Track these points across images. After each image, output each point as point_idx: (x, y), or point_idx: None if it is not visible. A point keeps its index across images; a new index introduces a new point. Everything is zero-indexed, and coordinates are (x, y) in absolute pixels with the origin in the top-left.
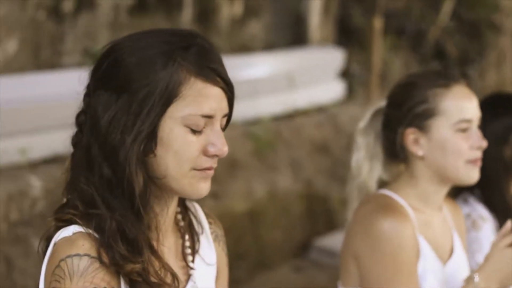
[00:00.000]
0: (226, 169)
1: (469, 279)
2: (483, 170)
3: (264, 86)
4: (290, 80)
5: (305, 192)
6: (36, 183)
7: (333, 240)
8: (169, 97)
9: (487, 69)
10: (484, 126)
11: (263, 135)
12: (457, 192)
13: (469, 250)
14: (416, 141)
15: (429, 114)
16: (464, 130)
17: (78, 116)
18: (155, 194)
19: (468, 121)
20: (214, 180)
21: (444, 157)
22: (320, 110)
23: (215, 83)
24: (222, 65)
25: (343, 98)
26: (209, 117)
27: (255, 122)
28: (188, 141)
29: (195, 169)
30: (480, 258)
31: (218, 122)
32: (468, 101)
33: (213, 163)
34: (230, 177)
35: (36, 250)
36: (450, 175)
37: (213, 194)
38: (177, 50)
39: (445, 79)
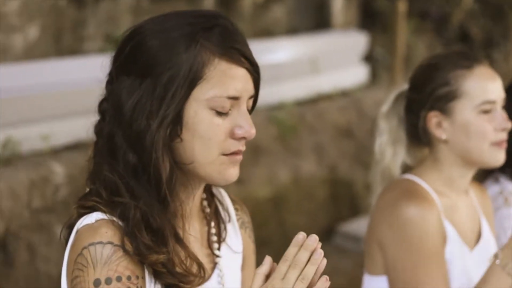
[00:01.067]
0: (250, 155)
1: (494, 258)
2: None
3: (287, 70)
4: (313, 65)
5: (329, 177)
6: (58, 170)
7: (357, 226)
8: (193, 80)
9: None
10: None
11: (287, 120)
12: (488, 172)
13: (502, 227)
14: (439, 125)
15: (452, 96)
16: (487, 112)
17: (100, 104)
18: (181, 181)
19: (492, 102)
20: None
21: (468, 140)
22: (343, 94)
23: (240, 64)
24: (246, 46)
25: (366, 82)
26: (235, 98)
27: (278, 107)
28: (214, 124)
29: (223, 154)
30: None
31: (244, 104)
32: (491, 82)
33: (241, 146)
34: (254, 162)
35: (59, 237)
36: (475, 158)
37: (237, 180)
38: (200, 32)
39: (467, 60)
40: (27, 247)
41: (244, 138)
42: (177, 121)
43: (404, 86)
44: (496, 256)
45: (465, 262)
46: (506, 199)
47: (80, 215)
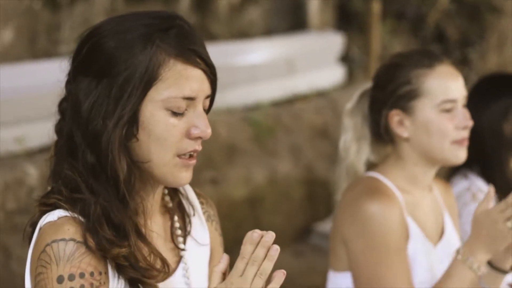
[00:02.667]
0: (226, 155)
1: (456, 253)
2: (483, 146)
3: (263, 71)
4: (289, 66)
5: (305, 177)
6: (32, 172)
7: None
8: (149, 80)
9: (488, 52)
10: (484, 104)
11: (263, 121)
12: (456, 168)
13: (468, 222)
14: (400, 123)
15: (413, 95)
16: (448, 110)
17: (60, 103)
18: (140, 179)
19: (453, 101)
20: (213, 166)
21: (429, 138)
22: (320, 95)
23: (196, 65)
24: (203, 47)
25: (343, 83)
26: (190, 99)
27: (254, 107)
28: (170, 124)
29: (178, 155)
30: None
31: (200, 104)
32: (452, 81)
33: (197, 145)
34: (230, 163)
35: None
36: (436, 156)
37: (213, 180)
38: (156, 33)
39: (428, 59)
40: (1, 248)
41: (200, 138)
42: (133, 122)
43: (368, 84)
44: (458, 251)
45: (429, 258)
46: (473, 195)
47: (42, 213)
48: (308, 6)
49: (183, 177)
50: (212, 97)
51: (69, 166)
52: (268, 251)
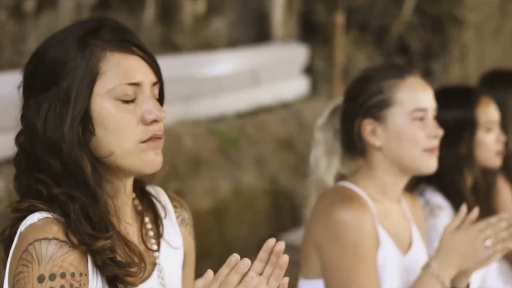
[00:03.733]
0: (190, 166)
1: (426, 266)
2: (439, 164)
3: (228, 83)
4: (254, 77)
5: (270, 188)
6: None
7: (299, 236)
8: (91, 77)
9: (451, 64)
10: (438, 121)
11: (227, 132)
12: (414, 184)
13: (427, 238)
14: (373, 132)
15: (385, 104)
16: (419, 119)
17: (17, 137)
18: (106, 177)
19: (423, 110)
20: (178, 177)
21: (401, 146)
22: (284, 106)
23: (132, 52)
24: (136, 37)
25: (307, 94)
26: (135, 84)
27: (219, 119)
28: (121, 112)
29: (141, 142)
30: (436, 245)
31: (148, 90)
32: (423, 91)
33: (156, 131)
34: (194, 174)
35: (1, 252)
36: (408, 164)
37: (177, 191)
38: (89, 33)
39: (399, 71)
40: None
41: (156, 121)
42: (86, 120)
43: (340, 99)
44: (428, 264)
45: (398, 266)
46: (431, 210)
47: (19, 219)
48: (272, 17)
49: (153, 159)
50: (160, 85)
51: (37, 178)
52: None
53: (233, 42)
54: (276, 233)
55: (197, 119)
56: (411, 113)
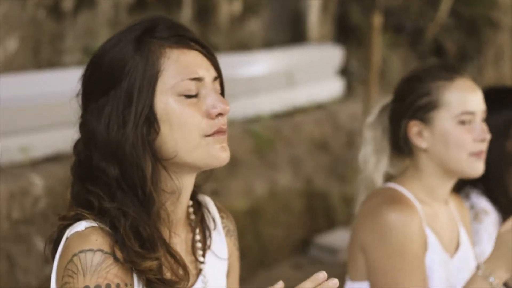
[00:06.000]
0: (226, 167)
1: (476, 268)
2: (486, 164)
3: (263, 83)
4: (289, 78)
5: (305, 189)
6: (37, 182)
7: (333, 238)
8: (152, 75)
9: (486, 66)
10: (485, 119)
11: (263, 133)
12: (460, 187)
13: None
14: (419, 134)
15: (432, 106)
16: (467, 123)
17: (75, 146)
18: (165, 181)
19: (471, 113)
20: (214, 178)
21: (447, 149)
22: (319, 107)
23: (190, 47)
24: (192, 33)
25: (342, 96)
26: (198, 79)
27: (254, 120)
28: (186, 107)
29: (206, 135)
30: (478, 250)
31: (210, 85)
32: (472, 94)
33: (221, 124)
34: (230, 175)
35: (40, 249)
36: (454, 168)
37: (213, 192)
38: (144, 33)
39: (448, 72)
40: (6, 258)
41: (221, 114)
42: (151, 118)
43: (389, 97)
44: (479, 267)
45: (445, 269)
46: (476, 215)
47: (65, 227)
48: (308, 18)
49: (220, 153)
50: (220, 80)
51: (90, 189)
52: None
53: (269, 43)
54: (311, 234)
55: (233, 119)
56: (458, 116)
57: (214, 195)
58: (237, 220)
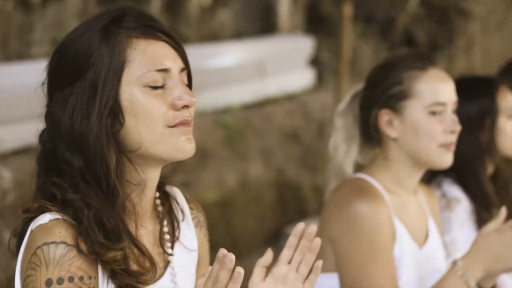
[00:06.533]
0: (197, 159)
1: (452, 264)
2: (459, 154)
3: (234, 74)
4: (260, 69)
5: (276, 180)
6: (6, 175)
7: None
8: (118, 66)
9: (456, 56)
10: (457, 109)
11: (234, 124)
12: (432, 176)
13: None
14: (389, 123)
15: (403, 95)
16: (438, 113)
17: (40, 136)
18: (130, 173)
19: (442, 104)
20: (184, 169)
21: (417, 139)
22: (290, 98)
23: (157, 38)
24: (160, 24)
25: (313, 86)
26: (164, 70)
27: (225, 111)
28: (152, 99)
29: (170, 126)
30: (448, 238)
31: (177, 76)
32: (443, 85)
33: (186, 116)
34: (201, 166)
35: (7, 242)
36: (423, 159)
37: (184, 184)
38: (111, 23)
39: (421, 61)
40: None
41: (187, 106)
42: (115, 110)
43: (361, 85)
44: (455, 263)
45: (414, 259)
46: (448, 203)
47: (29, 220)
48: (278, 9)
49: (184, 144)
50: (188, 71)
51: (53, 181)
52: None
53: (239, 34)
54: (282, 225)
55: (203, 111)
56: (430, 107)
57: (184, 186)
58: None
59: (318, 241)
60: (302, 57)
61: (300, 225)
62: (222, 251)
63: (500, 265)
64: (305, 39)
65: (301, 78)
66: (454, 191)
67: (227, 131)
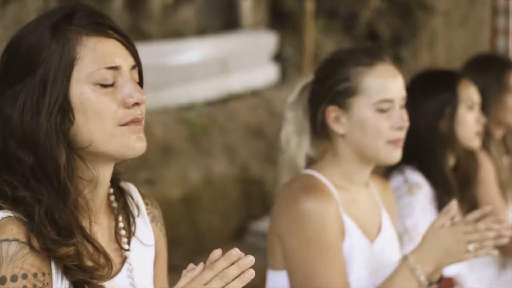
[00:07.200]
0: (161, 155)
1: (403, 259)
2: (420, 143)
3: (197, 71)
4: (223, 65)
5: (240, 176)
6: None
7: None
8: (68, 63)
9: (420, 50)
10: (420, 101)
11: (197, 120)
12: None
13: (400, 215)
14: (337, 119)
15: (351, 92)
16: (385, 110)
17: None
18: (80, 169)
19: (390, 101)
20: (148, 166)
21: (364, 136)
22: (254, 94)
23: (108, 35)
24: (112, 21)
25: (276, 82)
26: (114, 68)
27: (189, 107)
28: (102, 97)
29: (120, 125)
30: (409, 223)
31: (127, 74)
32: (391, 81)
33: (137, 114)
34: (165, 163)
35: None
36: (370, 155)
37: (148, 180)
38: (61, 20)
39: (369, 57)
40: None
41: (137, 104)
42: (65, 107)
43: (310, 77)
44: (406, 258)
45: (365, 255)
46: (409, 188)
47: None
48: (241, 5)
49: (135, 143)
50: (139, 68)
51: (4, 178)
52: (241, 273)
53: (202, 30)
54: (247, 221)
55: (167, 107)
56: (377, 104)
57: (148, 183)
58: (172, 208)
59: (251, 273)
60: (265, 53)
61: (235, 251)
62: (236, 249)
63: (451, 259)
64: (268, 35)
65: (264, 74)
66: (415, 177)
67: (190, 127)
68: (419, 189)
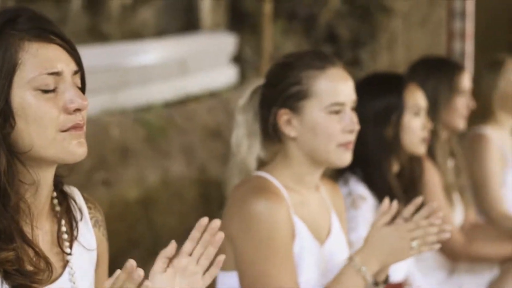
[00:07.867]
0: (118, 156)
1: (349, 260)
2: (365, 150)
3: (155, 72)
4: (182, 66)
5: (198, 177)
6: None
7: None
8: (9, 68)
9: (379, 52)
10: (364, 105)
11: (155, 122)
12: (339, 172)
13: (346, 229)
14: (288, 122)
15: (302, 95)
16: (336, 113)
17: None
18: (21, 173)
19: (341, 104)
20: (106, 167)
21: (315, 139)
22: (212, 95)
23: (50, 41)
24: (55, 26)
25: (235, 83)
26: (56, 74)
27: (146, 108)
28: (42, 102)
29: (62, 131)
30: (354, 237)
31: (69, 79)
32: (342, 84)
33: (78, 120)
34: (122, 164)
35: None
36: (321, 158)
37: (105, 182)
38: (4, 24)
39: (320, 61)
40: None
41: (79, 110)
42: (7, 113)
43: (261, 80)
44: (351, 258)
45: (315, 256)
46: (353, 201)
47: None
48: (200, 6)
49: (76, 149)
50: (81, 74)
51: None
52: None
53: (161, 31)
54: None
55: (124, 108)
56: (328, 107)
57: (105, 184)
58: (129, 209)
59: (221, 235)
60: (224, 55)
61: (204, 219)
62: (131, 263)
63: (396, 258)
64: (228, 36)
65: (223, 75)
66: (359, 188)
67: (148, 128)
68: (363, 202)
